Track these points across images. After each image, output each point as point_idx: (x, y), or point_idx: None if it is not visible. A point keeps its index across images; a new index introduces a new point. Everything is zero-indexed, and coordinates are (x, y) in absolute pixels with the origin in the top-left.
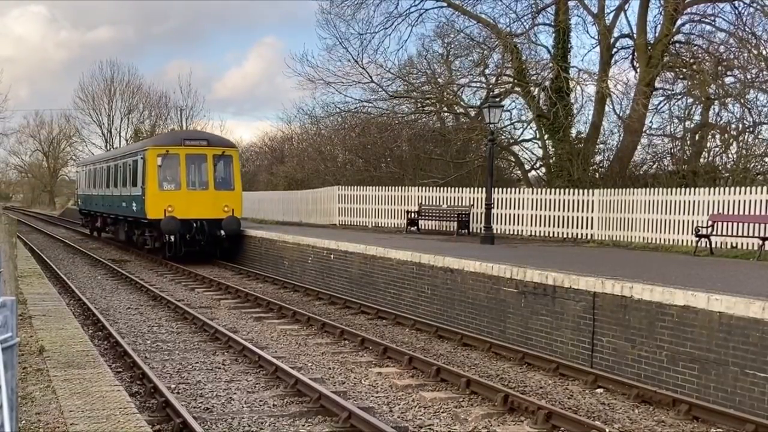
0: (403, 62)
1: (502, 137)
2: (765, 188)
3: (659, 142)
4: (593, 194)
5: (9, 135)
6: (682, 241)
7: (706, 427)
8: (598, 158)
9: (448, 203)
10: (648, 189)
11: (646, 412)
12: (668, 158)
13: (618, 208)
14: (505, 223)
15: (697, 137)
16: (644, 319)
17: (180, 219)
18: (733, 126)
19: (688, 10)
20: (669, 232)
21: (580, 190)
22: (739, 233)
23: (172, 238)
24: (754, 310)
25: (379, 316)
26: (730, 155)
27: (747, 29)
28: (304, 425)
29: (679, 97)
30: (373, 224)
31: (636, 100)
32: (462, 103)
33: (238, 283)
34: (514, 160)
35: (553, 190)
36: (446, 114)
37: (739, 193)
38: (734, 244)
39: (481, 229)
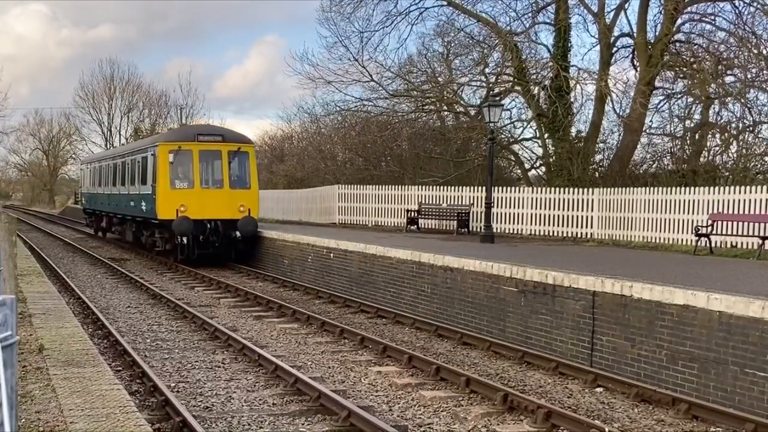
0: (403, 61)
1: (502, 136)
2: (765, 187)
3: (659, 141)
4: (593, 193)
5: (9, 133)
6: (682, 240)
7: (706, 426)
8: (598, 157)
9: (448, 202)
10: (648, 188)
11: (646, 411)
12: (668, 157)
13: (618, 207)
14: (505, 222)
15: (697, 136)
16: (644, 318)
17: (193, 219)
18: (733, 125)
19: (689, 9)
20: (669, 231)
21: (580, 189)
22: (739, 232)
23: (185, 239)
24: (754, 309)
25: (378, 314)
26: (730, 154)
27: (747, 28)
28: (303, 424)
29: (679, 96)
30: (373, 223)
31: (636, 99)
32: (462, 102)
33: (237, 282)
34: (514, 159)
35: (553, 189)
36: (446, 113)
37: (739, 193)
38: (734, 244)
39: (481, 228)
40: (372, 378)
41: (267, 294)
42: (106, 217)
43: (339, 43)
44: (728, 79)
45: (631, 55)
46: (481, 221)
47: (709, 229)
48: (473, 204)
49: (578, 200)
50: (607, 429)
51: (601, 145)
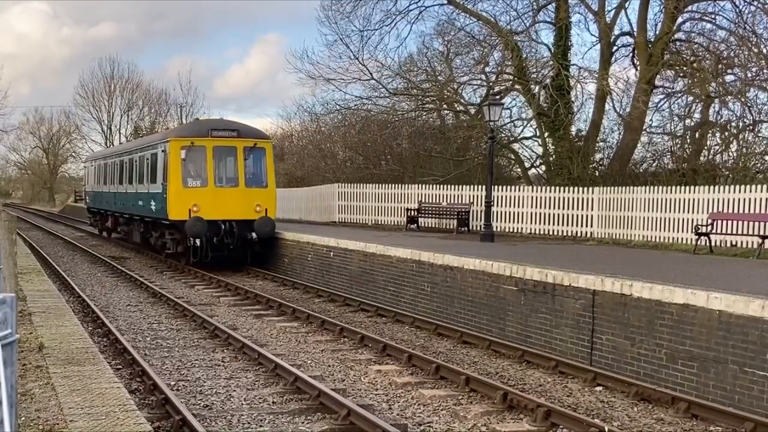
0: (403, 59)
1: (503, 135)
2: (765, 186)
3: (659, 140)
4: (593, 192)
5: (9, 132)
6: (682, 239)
7: (705, 425)
8: (598, 156)
9: (448, 201)
10: (648, 187)
11: (645, 410)
12: (668, 156)
13: (618, 206)
14: (505, 221)
15: (697, 135)
16: (644, 317)
17: (206, 220)
18: (733, 124)
19: (689, 8)
20: (669, 230)
21: (580, 188)
22: (739, 231)
23: (198, 241)
24: (754, 308)
25: (378, 313)
26: (730, 153)
27: (747, 27)
28: (303, 422)
29: (680, 95)
30: (373, 222)
31: (636, 98)
32: (462, 100)
33: (237, 281)
34: (514, 157)
35: (553, 188)
36: (446, 111)
37: (739, 192)
38: (734, 243)
39: (480, 226)
40: (372, 377)
41: (267, 292)
42: (112, 216)
43: (339, 41)
44: (728, 78)
45: (631, 54)
46: (481, 220)
47: (709, 228)
48: (473, 203)
49: (578, 199)
50: (606, 428)
51: (601, 143)
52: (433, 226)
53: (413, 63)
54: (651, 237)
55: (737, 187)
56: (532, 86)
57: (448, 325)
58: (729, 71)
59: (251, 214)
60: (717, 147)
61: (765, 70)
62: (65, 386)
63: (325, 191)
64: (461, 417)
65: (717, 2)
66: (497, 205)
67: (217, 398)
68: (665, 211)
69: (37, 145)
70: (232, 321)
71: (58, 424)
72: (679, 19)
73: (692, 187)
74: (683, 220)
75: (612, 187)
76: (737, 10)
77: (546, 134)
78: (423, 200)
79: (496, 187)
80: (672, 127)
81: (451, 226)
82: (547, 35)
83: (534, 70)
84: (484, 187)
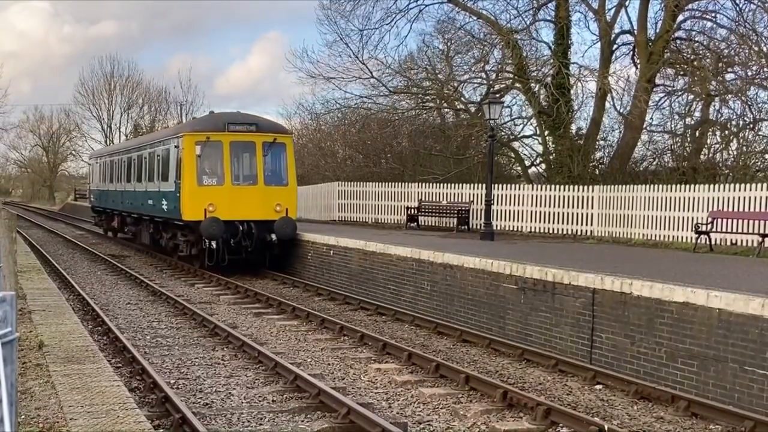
0: (403, 58)
1: (503, 133)
2: (765, 185)
3: (659, 139)
4: (593, 191)
5: (9, 130)
6: (682, 237)
7: (705, 423)
8: (598, 155)
9: (448, 199)
10: (648, 185)
11: (645, 409)
12: (668, 155)
13: (618, 204)
14: (505, 220)
15: (697, 134)
16: (643, 316)
17: (223, 221)
18: (734, 123)
19: (689, 6)
20: (669, 229)
21: (580, 187)
22: (739, 230)
23: (214, 244)
24: (754, 306)
25: (378, 312)
26: (730, 152)
27: (748, 26)
28: (303, 421)
29: (680, 93)
30: (373, 220)
31: (637, 97)
32: (462, 99)
33: (237, 279)
34: (514, 156)
35: (553, 186)
36: (446, 110)
37: (739, 190)
38: (734, 241)
39: (480, 225)
40: (372, 375)
41: (266, 291)
42: (119, 216)
43: (339, 40)
44: (729, 76)
45: (631, 53)
46: (481, 218)
47: (709, 226)
48: (473, 201)
49: (578, 197)
50: (606, 426)
51: (602, 142)
52: (433, 224)
53: (413, 61)
54: (651, 235)
55: (737, 185)
56: (532, 85)
57: (448, 324)
58: (729, 69)
59: (271, 214)
60: (717, 145)
61: (765, 69)
62: (65, 384)
63: (325, 190)
64: (461, 415)
65: (717, 1)
66: (497, 204)
67: (217, 396)
68: (665, 210)
69: (37, 144)
70: (231, 319)
71: (58, 422)
72: (680, 18)
73: (692, 186)
74: (683, 218)
75: (612, 186)
76: (737, 8)
77: (546, 133)
78: (423, 199)
79: (496, 185)
80: (672, 126)
81: (451, 225)
82: (548, 33)
83: (534, 68)
84: (484, 185)
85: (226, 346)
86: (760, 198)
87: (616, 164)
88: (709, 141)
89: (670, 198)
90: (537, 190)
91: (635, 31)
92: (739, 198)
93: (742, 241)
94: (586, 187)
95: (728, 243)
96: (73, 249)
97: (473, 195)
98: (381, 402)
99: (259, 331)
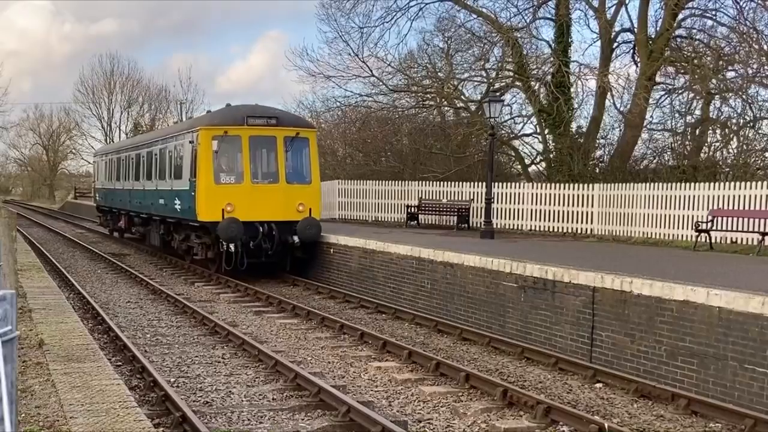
0: (403, 56)
1: (503, 132)
2: (765, 183)
3: (660, 137)
4: (593, 189)
5: (9, 128)
6: (682, 236)
7: (705, 421)
8: (598, 153)
9: (448, 198)
10: (648, 184)
11: (645, 407)
12: (669, 153)
13: (618, 202)
14: (505, 218)
15: (697, 132)
16: (644, 314)
17: (242, 222)
18: (734, 121)
19: (690, 4)
20: (669, 227)
21: (580, 185)
22: (739, 228)
23: (232, 246)
24: (754, 305)
25: (378, 310)
26: (730, 150)
27: (748, 24)
28: (303, 419)
29: (680, 91)
30: (373, 218)
31: (637, 95)
32: (462, 97)
33: (237, 278)
34: (514, 154)
35: (553, 184)
36: (447, 108)
37: (739, 188)
38: (734, 239)
39: (481, 223)
40: (372, 373)
41: (266, 289)
42: (126, 216)
43: (339, 38)
44: (729, 74)
45: (632, 51)
46: (481, 217)
47: (709, 224)
48: (473, 199)
49: (578, 196)
50: (606, 425)
51: (602, 140)
52: (434, 222)
53: (413, 60)
54: (651, 234)
55: (737, 183)
56: (532, 83)
57: (448, 322)
58: (730, 68)
59: (293, 214)
60: (717, 144)
61: (766, 67)
62: (65, 383)
63: (324, 188)
64: (461, 414)
65: None
66: (497, 202)
67: (217, 395)
68: (665, 208)
69: (37, 142)
70: (232, 318)
71: (58, 420)
72: (680, 16)
73: (692, 184)
74: (683, 216)
75: (612, 184)
76: (738, 6)
77: (546, 131)
78: (423, 197)
79: (496, 183)
80: (672, 124)
81: (452, 223)
82: (548, 32)
83: (534, 66)
84: (484, 183)
85: (226, 344)
86: (760, 196)
87: (617, 162)
88: (709, 139)
89: (671, 196)
90: (537, 188)
91: (635, 29)
92: (739, 196)
93: (742, 239)
94: (586, 185)
95: (728, 241)
96: (73, 247)
97: (473, 193)
98: (381, 400)
99: (259, 330)
